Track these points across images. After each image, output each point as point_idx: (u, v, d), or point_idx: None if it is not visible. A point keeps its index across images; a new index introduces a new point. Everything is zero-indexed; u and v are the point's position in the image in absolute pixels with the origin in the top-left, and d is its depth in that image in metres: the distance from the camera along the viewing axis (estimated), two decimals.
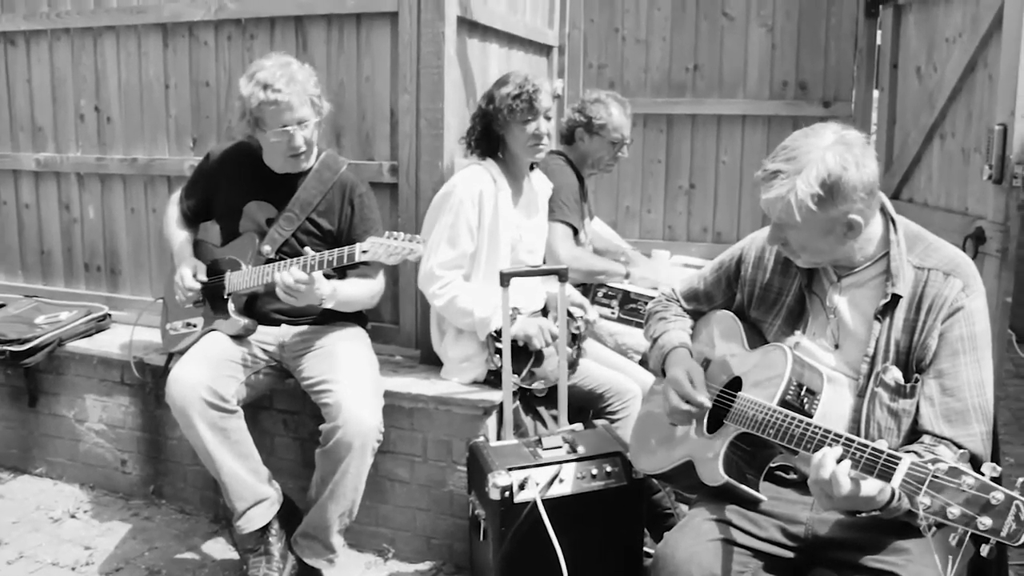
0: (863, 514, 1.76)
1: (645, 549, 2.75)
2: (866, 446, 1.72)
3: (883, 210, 2.06)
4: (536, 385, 3.05)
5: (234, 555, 3.17)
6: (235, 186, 3.12)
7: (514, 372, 2.97)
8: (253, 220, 3.09)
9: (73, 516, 3.53)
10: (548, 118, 3.11)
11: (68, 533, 3.39)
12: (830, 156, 1.90)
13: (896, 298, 2.00)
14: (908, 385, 1.96)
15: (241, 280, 3.03)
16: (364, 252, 2.73)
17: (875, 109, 4.68)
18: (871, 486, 1.68)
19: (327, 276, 2.96)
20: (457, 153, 3.39)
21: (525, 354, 3.03)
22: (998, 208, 3.07)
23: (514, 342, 2.98)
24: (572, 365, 3.10)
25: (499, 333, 2.94)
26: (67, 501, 3.63)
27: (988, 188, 3.12)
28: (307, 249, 2.86)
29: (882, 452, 1.68)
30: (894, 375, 1.97)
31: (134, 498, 3.67)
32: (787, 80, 4.81)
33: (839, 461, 1.73)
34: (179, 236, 3.26)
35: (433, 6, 3.26)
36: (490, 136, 3.15)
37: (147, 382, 3.55)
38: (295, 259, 2.85)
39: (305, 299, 2.85)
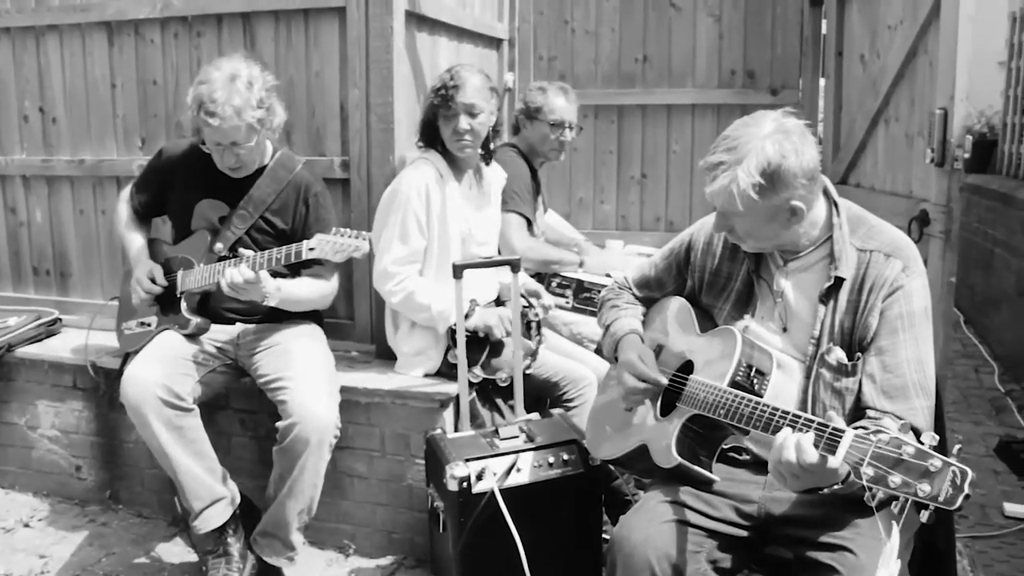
0: (825, 490, 1.78)
1: (604, 535, 2.78)
2: (812, 421, 1.76)
3: (826, 193, 2.10)
4: (500, 375, 3.05)
5: (193, 557, 3.15)
6: (188, 184, 3.09)
7: (473, 363, 2.98)
8: (205, 218, 3.06)
9: (27, 525, 3.47)
10: (473, 115, 3.07)
11: (21, 543, 3.34)
12: (769, 145, 1.93)
13: (840, 281, 2.04)
14: (850, 364, 2.00)
15: (194, 279, 3.01)
16: (311, 249, 2.73)
17: (822, 96, 4.75)
18: (834, 460, 1.69)
19: (279, 275, 2.96)
20: (408, 147, 3.39)
21: (480, 345, 3.04)
22: (941, 190, 3.13)
23: (473, 333, 2.99)
24: (533, 354, 3.12)
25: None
26: (20, 510, 3.57)
27: (931, 171, 3.18)
28: (242, 250, 2.85)
29: (827, 426, 1.72)
30: (837, 355, 2.01)
31: (90, 504, 3.62)
32: (735, 69, 4.86)
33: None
34: (135, 241, 3.22)
35: (381, 0, 3.25)
36: (430, 128, 3.15)
37: (100, 385, 3.50)
38: (245, 257, 2.83)
39: (249, 295, 2.84)
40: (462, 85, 3.04)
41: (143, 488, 3.54)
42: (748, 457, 2.17)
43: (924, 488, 1.52)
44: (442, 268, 3.09)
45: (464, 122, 3.05)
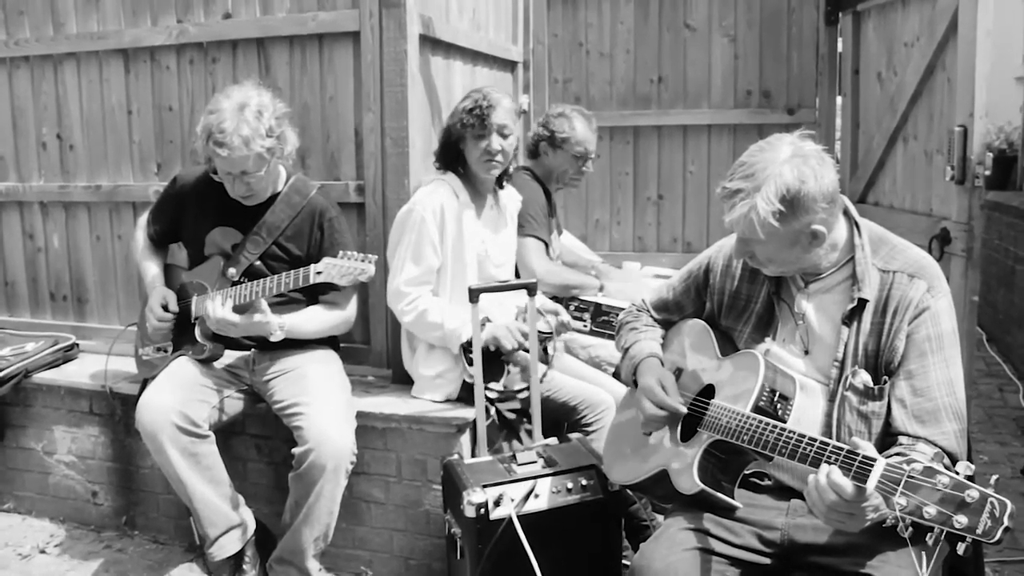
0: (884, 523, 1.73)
1: (624, 562, 2.74)
2: (841, 449, 1.72)
3: (847, 214, 2.07)
4: (517, 386, 3.03)
5: None
6: (201, 211, 3.10)
7: (489, 382, 2.95)
8: (218, 246, 3.06)
9: (43, 551, 3.46)
10: (504, 135, 3.08)
11: (38, 569, 3.33)
12: (787, 170, 1.90)
13: (863, 302, 2.01)
14: (876, 387, 1.97)
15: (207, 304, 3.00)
16: (318, 273, 2.72)
17: (839, 115, 4.73)
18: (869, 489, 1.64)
19: (295, 301, 2.95)
20: (424, 171, 3.39)
21: (498, 364, 3.01)
22: (962, 208, 3.10)
23: (486, 351, 2.96)
24: (543, 373, 3.09)
25: (470, 344, 2.93)
26: (37, 536, 3.56)
27: (951, 189, 3.16)
28: (249, 283, 2.87)
29: (856, 455, 1.68)
30: (863, 378, 1.97)
31: (106, 530, 3.61)
32: (751, 89, 4.84)
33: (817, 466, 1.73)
34: (151, 268, 3.22)
35: (395, 25, 3.25)
36: (452, 150, 3.14)
37: (116, 411, 3.50)
38: (257, 281, 2.83)
39: (244, 332, 2.87)
40: (495, 105, 3.05)
41: (159, 514, 3.53)
42: (770, 483, 2.13)
43: (961, 520, 1.48)
44: (457, 289, 3.07)
45: (496, 142, 3.06)
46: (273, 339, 2.89)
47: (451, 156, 3.16)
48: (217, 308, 2.80)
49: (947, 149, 3.13)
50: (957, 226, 3.12)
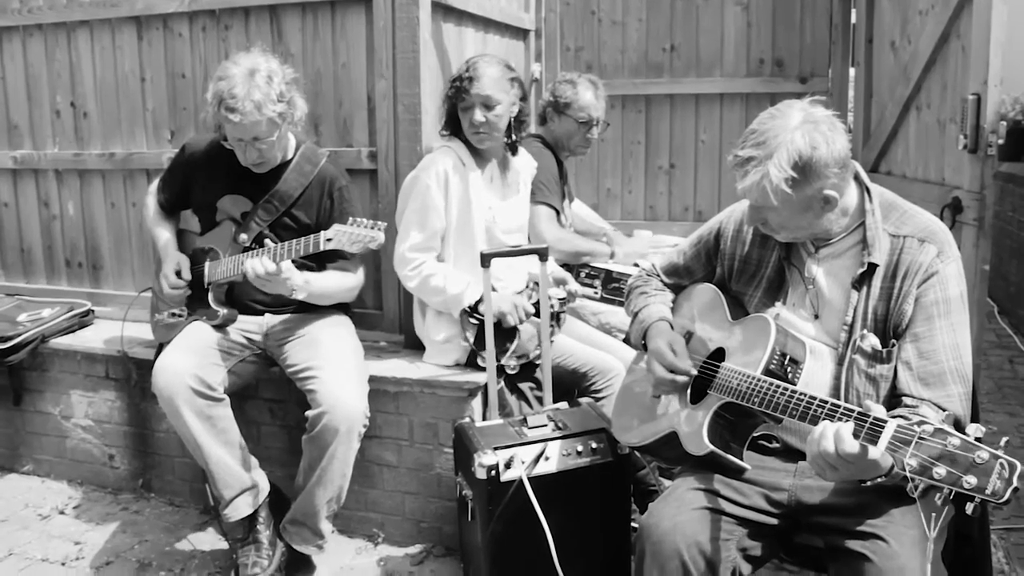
0: (868, 483, 1.76)
1: (633, 524, 2.77)
2: (852, 410, 1.74)
3: (857, 179, 2.08)
4: (508, 362, 3.05)
5: (224, 545, 3.18)
6: (211, 179, 3.11)
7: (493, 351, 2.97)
8: (228, 213, 3.08)
9: (62, 512, 3.52)
10: (488, 106, 3.04)
11: (57, 529, 3.39)
12: (799, 137, 1.90)
13: (873, 266, 2.02)
14: (885, 351, 1.98)
15: (220, 270, 3.03)
16: (328, 240, 2.74)
17: (852, 84, 4.70)
18: (875, 450, 1.66)
19: (307, 268, 2.97)
20: (435, 138, 3.39)
21: (500, 332, 3.03)
22: (974, 177, 3.09)
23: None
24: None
25: (473, 309, 2.94)
26: (56, 498, 3.63)
27: (964, 158, 3.14)
28: (267, 241, 2.87)
29: (867, 416, 1.69)
30: (871, 342, 1.99)
31: (123, 492, 3.67)
32: (763, 58, 4.81)
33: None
34: (162, 234, 3.25)
35: None
36: (455, 118, 3.14)
37: (132, 375, 3.54)
38: (264, 249, 2.85)
39: (274, 288, 2.85)
40: (477, 77, 3.03)
41: (174, 477, 3.58)
42: (778, 445, 2.16)
43: (970, 480, 1.49)
44: (461, 256, 3.09)
45: (479, 114, 3.04)
46: (297, 296, 2.90)
47: (456, 123, 3.16)
48: (257, 265, 2.79)
49: (960, 118, 3.11)
50: (969, 195, 3.10)
